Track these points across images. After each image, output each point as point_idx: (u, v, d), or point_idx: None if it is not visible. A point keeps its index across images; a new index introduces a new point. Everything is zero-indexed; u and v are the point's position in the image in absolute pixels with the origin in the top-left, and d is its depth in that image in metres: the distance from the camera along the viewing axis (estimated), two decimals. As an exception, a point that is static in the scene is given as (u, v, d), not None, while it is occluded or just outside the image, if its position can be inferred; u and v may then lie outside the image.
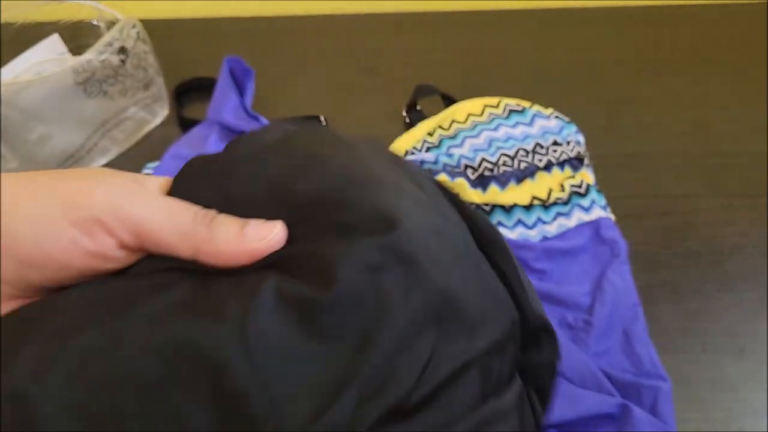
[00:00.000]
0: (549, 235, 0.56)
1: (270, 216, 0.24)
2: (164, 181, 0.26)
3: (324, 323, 0.22)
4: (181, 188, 0.25)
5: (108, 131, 0.64)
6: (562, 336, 0.50)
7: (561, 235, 0.56)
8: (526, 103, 0.63)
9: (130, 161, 0.66)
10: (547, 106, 0.64)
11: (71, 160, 0.62)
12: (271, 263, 0.23)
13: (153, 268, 0.24)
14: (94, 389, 0.21)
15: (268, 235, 0.23)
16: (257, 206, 0.24)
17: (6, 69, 0.64)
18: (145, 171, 0.61)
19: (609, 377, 0.48)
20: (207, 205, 0.24)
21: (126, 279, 0.24)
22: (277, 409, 0.21)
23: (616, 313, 0.51)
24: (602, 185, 0.61)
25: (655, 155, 0.67)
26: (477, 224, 0.26)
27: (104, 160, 0.65)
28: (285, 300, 0.21)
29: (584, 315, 0.51)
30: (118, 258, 0.24)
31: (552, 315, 0.52)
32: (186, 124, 0.67)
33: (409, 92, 0.69)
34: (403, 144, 0.61)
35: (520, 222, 0.57)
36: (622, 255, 0.55)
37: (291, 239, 0.23)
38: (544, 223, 0.57)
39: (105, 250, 0.23)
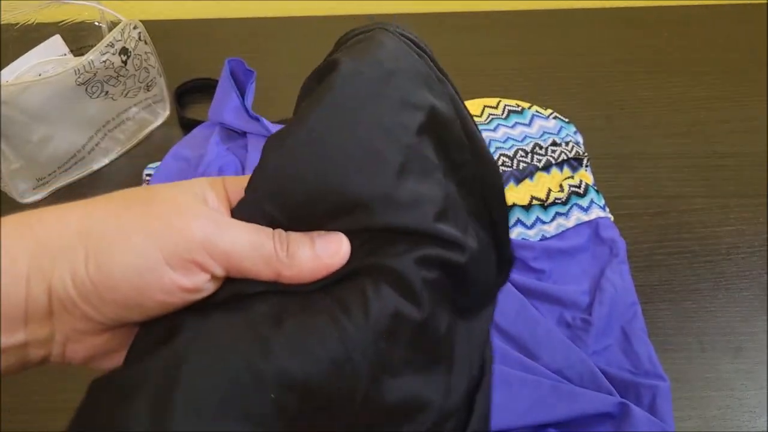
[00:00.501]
0: (548, 235, 0.57)
1: (324, 221, 0.25)
2: (231, 185, 0.26)
3: (423, 341, 0.25)
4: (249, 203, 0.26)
5: (110, 132, 0.65)
6: (561, 335, 0.50)
7: (560, 235, 0.57)
8: (524, 104, 0.64)
9: (131, 161, 0.66)
10: (545, 107, 0.65)
11: (73, 160, 0.63)
12: (348, 273, 0.25)
13: (239, 293, 0.25)
14: (251, 422, 0.22)
15: (339, 250, 0.25)
16: (312, 214, 0.25)
17: (8, 70, 0.64)
18: (147, 172, 0.62)
19: (608, 376, 0.48)
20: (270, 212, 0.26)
21: (230, 311, 0.25)
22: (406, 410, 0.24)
23: (615, 312, 0.52)
24: (599, 185, 0.61)
25: (651, 156, 0.67)
26: (488, 173, 0.28)
27: (106, 161, 0.66)
28: (388, 318, 0.24)
29: (583, 314, 0.52)
30: (208, 289, 0.24)
31: (551, 314, 0.53)
32: (187, 125, 0.68)
33: (409, 93, 0.69)
34: None
35: (519, 222, 0.57)
36: (621, 254, 0.55)
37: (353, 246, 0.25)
38: (543, 223, 0.58)
39: (199, 285, 0.24)
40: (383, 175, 0.25)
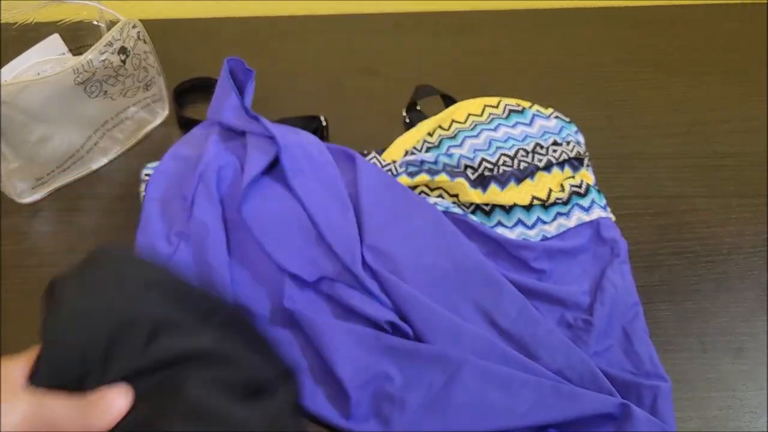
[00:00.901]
0: (549, 235, 0.57)
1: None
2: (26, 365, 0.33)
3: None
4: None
5: (108, 131, 0.64)
6: (562, 335, 0.50)
7: (561, 235, 0.57)
8: (525, 104, 0.64)
9: (130, 161, 0.66)
10: (546, 107, 0.65)
11: (72, 159, 0.62)
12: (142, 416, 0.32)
13: None
14: None
15: (125, 401, 0.31)
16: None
17: (6, 69, 0.64)
18: (145, 171, 0.61)
19: (609, 376, 0.48)
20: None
21: None
22: None
23: (616, 312, 0.52)
24: (599, 185, 0.61)
25: (652, 156, 0.67)
26: (239, 314, 0.37)
27: (105, 160, 0.65)
28: None
29: (584, 315, 0.52)
30: None
31: (552, 314, 0.52)
32: (186, 125, 0.67)
33: (409, 92, 0.69)
34: (403, 144, 0.62)
35: (519, 222, 0.57)
36: (622, 254, 0.55)
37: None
38: (544, 223, 0.57)
39: None
40: (133, 336, 0.33)
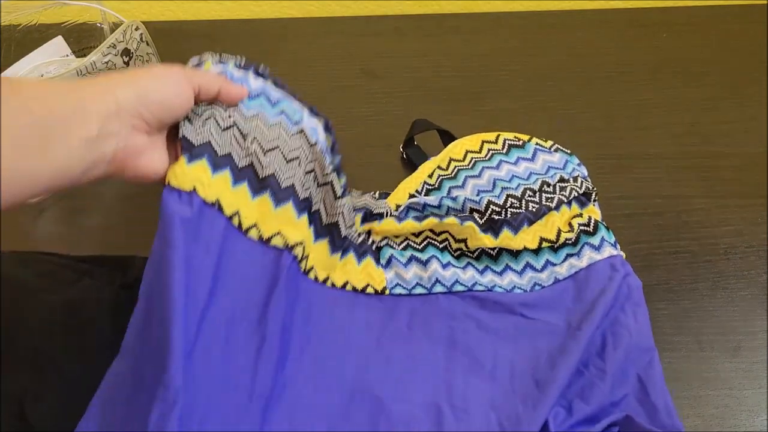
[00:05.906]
0: (560, 277, 0.54)
1: None
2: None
3: None
4: None
5: (111, 132, 0.65)
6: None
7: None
8: (524, 137, 0.60)
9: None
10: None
11: (75, 160, 0.63)
12: None
13: None
14: None
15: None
16: None
17: (10, 71, 0.64)
18: None
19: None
20: None
21: None
22: None
23: (630, 358, 0.49)
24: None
25: (651, 156, 0.68)
26: None
27: (108, 161, 0.66)
28: None
29: (596, 358, 0.50)
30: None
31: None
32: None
33: (409, 94, 0.70)
34: (406, 187, 0.58)
35: (528, 266, 0.55)
36: (635, 295, 0.52)
37: None
38: (554, 265, 0.55)
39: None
40: None
